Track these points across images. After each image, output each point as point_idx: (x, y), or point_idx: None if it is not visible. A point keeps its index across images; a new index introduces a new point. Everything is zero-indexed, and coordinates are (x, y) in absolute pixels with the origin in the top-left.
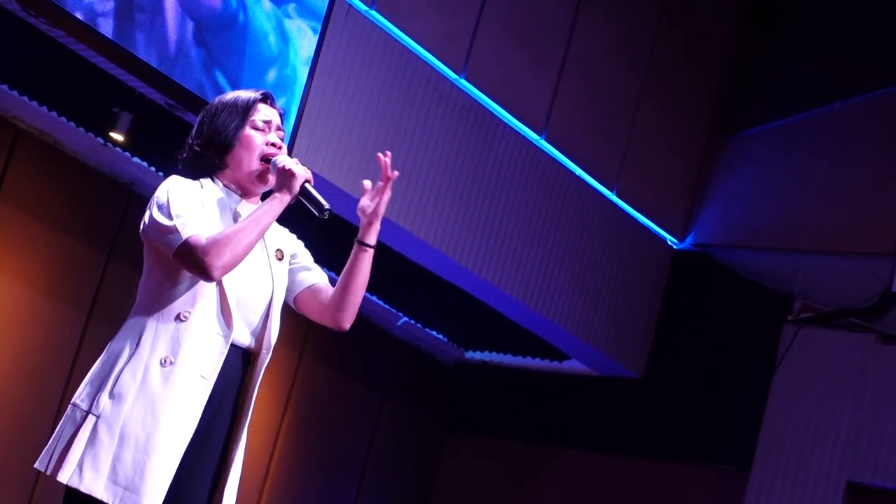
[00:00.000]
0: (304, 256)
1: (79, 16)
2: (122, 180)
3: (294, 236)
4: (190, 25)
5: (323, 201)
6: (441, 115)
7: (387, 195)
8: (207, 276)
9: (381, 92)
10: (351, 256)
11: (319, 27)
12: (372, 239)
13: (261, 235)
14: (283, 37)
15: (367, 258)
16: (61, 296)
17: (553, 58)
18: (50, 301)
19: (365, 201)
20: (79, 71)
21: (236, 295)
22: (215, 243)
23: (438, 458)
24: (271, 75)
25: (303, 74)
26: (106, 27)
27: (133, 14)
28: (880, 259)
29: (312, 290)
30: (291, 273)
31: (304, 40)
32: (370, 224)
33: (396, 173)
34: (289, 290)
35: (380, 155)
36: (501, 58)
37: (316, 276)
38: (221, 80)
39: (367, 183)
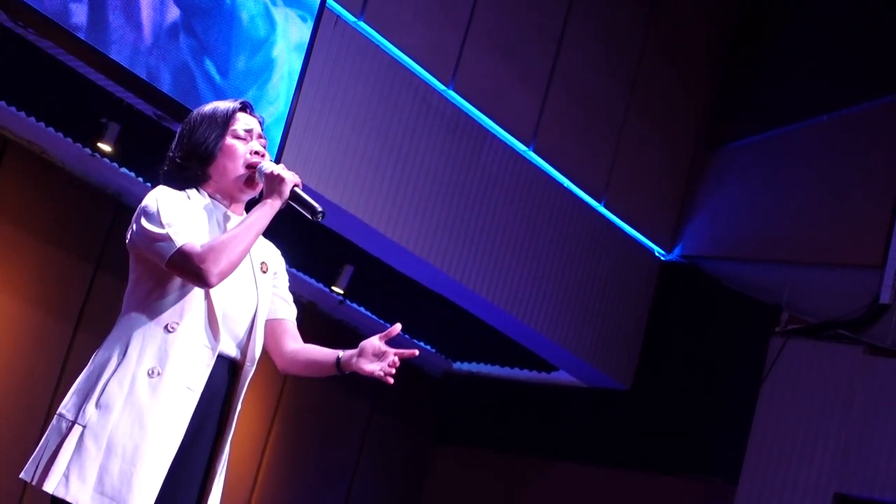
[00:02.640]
0: (283, 281)
1: (66, 25)
2: (109, 191)
3: (279, 252)
4: (176, 15)
5: (315, 204)
6: (429, 126)
7: (383, 369)
8: (204, 283)
9: (370, 103)
10: (324, 361)
11: (307, 16)
12: (348, 371)
13: (255, 240)
14: (270, 20)
15: (334, 374)
16: (49, 306)
17: (541, 70)
18: (37, 311)
19: (371, 347)
20: (66, 81)
21: (222, 307)
22: (211, 249)
23: (426, 469)
24: (256, 62)
25: (291, 59)
26: (94, 36)
27: (119, 20)
28: (867, 271)
29: (276, 325)
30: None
31: (292, 26)
32: (358, 369)
33: (394, 369)
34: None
35: (397, 326)
36: (489, 70)
37: (286, 311)
38: (211, 68)
39: (398, 328)
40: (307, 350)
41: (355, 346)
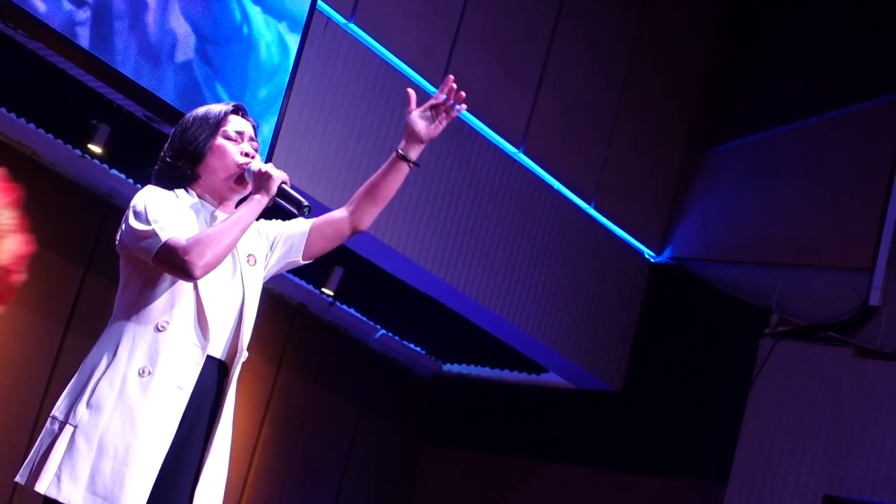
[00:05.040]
0: (281, 226)
1: (57, 27)
2: (100, 192)
3: (261, 220)
4: (183, 36)
5: (301, 199)
6: None
7: (445, 123)
8: (189, 276)
9: (360, 105)
10: (388, 164)
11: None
12: (415, 156)
13: (240, 236)
14: (283, 47)
15: (405, 172)
16: (39, 308)
17: (531, 72)
18: (27, 313)
19: (418, 117)
20: (57, 83)
21: (211, 304)
22: (197, 243)
23: (416, 471)
24: (270, 89)
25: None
26: (84, 38)
27: (112, 23)
28: (857, 273)
29: (315, 230)
30: (283, 243)
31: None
32: (420, 144)
33: (464, 107)
34: (294, 251)
35: (451, 78)
36: (479, 72)
37: (307, 221)
38: (223, 95)
39: (412, 93)
40: (361, 192)
41: (345, 350)
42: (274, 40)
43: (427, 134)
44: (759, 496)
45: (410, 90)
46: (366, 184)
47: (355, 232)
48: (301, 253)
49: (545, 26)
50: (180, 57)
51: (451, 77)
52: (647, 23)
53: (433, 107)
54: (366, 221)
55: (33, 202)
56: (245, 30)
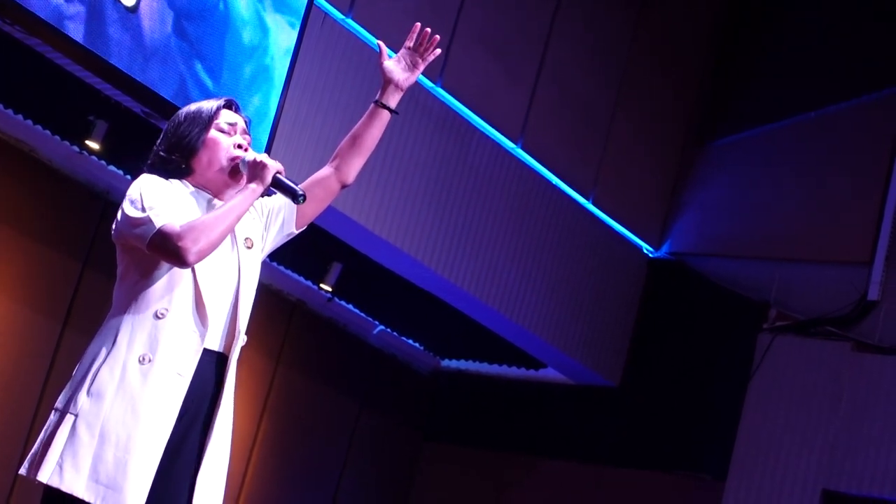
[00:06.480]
0: (271, 202)
1: (52, 21)
2: (97, 188)
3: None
4: (169, 18)
5: (296, 188)
6: (417, 123)
7: (422, 67)
8: (183, 262)
9: (357, 100)
10: (368, 114)
11: (295, 22)
12: (394, 103)
13: (235, 223)
14: (262, 27)
15: (385, 120)
16: (36, 304)
17: (529, 67)
18: (25, 310)
19: (393, 66)
20: (55, 79)
21: (209, 291)
22: (191, 229)
23: (414, 467)
24: (249, 68)
25: (282, 66)
26: (78, 31)
27: (105, 14)
28: (855, 267)
29: (311, 196)
30: (276, 218)
31: (282, 33)
32: (398, 91)
33: (439, 51)
34: (287, 224)
35: (418, 25)
36: (477, 67)
37: (288, 201)
38: (201, 71)
39: (383, 45)
40: (344, 146)
41: (344, 347)
42: (252, 18)
43: (404, 81)
44: (758, 491)
45: (380, 42)
46: (348, 136)
47: (343, 187)
48: (294, 223)
49: (543, 21)
50: (161, 36)
51: (418, 25)
52: (644, 18)
53: (408, 55)
54: (352, 174)
55: (31, 199)
56: (221, 6)
